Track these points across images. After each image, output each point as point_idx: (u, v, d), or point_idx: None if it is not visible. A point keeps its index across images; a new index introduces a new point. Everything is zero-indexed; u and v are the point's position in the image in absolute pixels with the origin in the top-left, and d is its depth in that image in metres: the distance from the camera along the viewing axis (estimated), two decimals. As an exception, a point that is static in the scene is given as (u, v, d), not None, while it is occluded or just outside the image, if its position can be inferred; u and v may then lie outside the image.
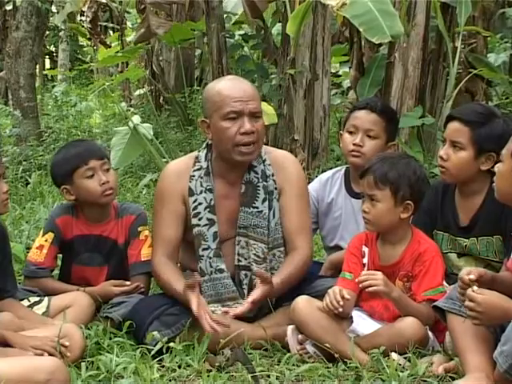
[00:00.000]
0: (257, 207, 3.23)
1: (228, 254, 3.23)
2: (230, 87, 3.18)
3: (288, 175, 3.28)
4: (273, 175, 3.26)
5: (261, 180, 3.25)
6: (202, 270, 3.21)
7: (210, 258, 3.21)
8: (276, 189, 3.26)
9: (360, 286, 2.90)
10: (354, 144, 3.47)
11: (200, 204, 3.23)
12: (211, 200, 3.23)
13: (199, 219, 3.23)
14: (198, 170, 3.28)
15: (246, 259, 3.22)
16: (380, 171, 2.99)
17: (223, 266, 3.20)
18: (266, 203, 3.23)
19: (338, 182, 3.64)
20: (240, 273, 3.23)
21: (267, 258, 3.22)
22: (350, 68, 8.43)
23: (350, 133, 3.51)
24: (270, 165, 3.28)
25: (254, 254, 3.21)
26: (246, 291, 3.21)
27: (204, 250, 3.22)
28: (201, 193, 3.24)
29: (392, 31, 5.16)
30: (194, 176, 3.27)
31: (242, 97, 3.13)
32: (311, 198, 3.56)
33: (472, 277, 2.58)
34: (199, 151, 3.35)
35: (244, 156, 3.16)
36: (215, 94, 3.18)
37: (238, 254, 3.23)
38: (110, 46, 12.17)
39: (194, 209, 3.23)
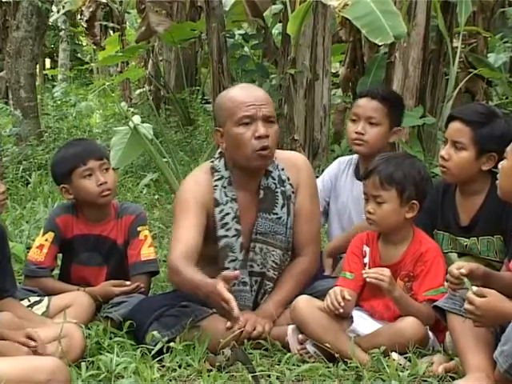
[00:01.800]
0: (276, 213, 3.19)
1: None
2: (242, 93, 3.15)
3: (301, 176, 3.27)
4: (288, 179, 3.23)
5: (278, 186, 3.21)
6: None
7: (236, 269, 3.08)
8: (293, 193, 3.23)
9: (366, 276, 2.90)
10: (356, 132, 3.48)
11: (227, 214, 3.15)
12: (237, 210, 3.16)
13: (227, 230, 3.14)
14: (220, 179, 3.19)
15: (258, 265, 3.18)
16: (385, 172, 2.98)
17: (247, 280, 3.16)
18: (285, 209, 3.20)
19: (350, 170, 3.68)
20: (251, 278, 3.19)
21: (282, 265, 3.20)
22: (342, 66, 8.46)
23: (353, 121, 3.54)
24: (283, 169, 3.25)
25: (273, 261, 3.18)
26: (252, 297, 3.20)
27: (231, 261, 3.14)
28: (227, 203, 3.16)
29: (395, 31, 5.15)
30: (216, 186, 3.18)
31: (254, 101, 3.09)
32: (328, 180, 3.67)
33: (463, 271, 2.59)
34: (212, 161, 3.26)
35: (261, 161, 3.11)
36: (227, 101, 3.14)
37: (251, 260, 3.18)
38: (104, 48, 12.12)
39: (221, 219, 3.14)
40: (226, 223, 3.15)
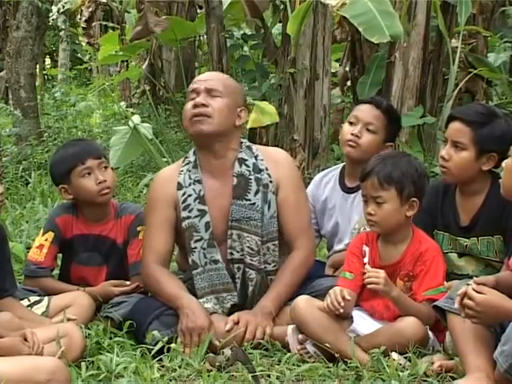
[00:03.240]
0: (249, 199, 3.22)
1: (221, 248, 3.22)
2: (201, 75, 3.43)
3: (282, 169, 3.30)
4: (267, 169, 3.27)
5: (252, 172, 3.25)
6: (195, 263, 3.20)
7: (204, 248, 3.19)
8: (271, 182, 3.26)
9: (364, 277, 2.90)
10: (351, 134, 3.48)
11: (189, 196, 3.23)
12: (200, 191, 3.23)
13: (189, 211, 3.22)
14: (187, 164, 3.31)
15: (238, 252, 3.21)
16: (384, 172, 2.98)
17: (218, 257, 3.19)
18: (259, 195, 3.22)
19: (332, 180, 3.66)
20: (233, 266, 3.22)
21: (261, 251, 3.21)
22: (339, 65, 8.46)
23: (351, 123, 3.53)
24: (262, 160, 3.29)
25: (248, 247, 3.20)
26: (238, 285, 3.22)
27: (197, 241, 3.20)
28: (190, 185, 3.25)
29: (391, 31, 5.18)
30: (182, 171, 3.29)
31: (201, 78, 3.35)
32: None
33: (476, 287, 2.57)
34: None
35: (194, 126, 3.23)
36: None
37: (230, 247, 3.22)
38: (98, 49, 12.07)
39: (183, 202, 3.23)
40: (188, 205, 3.23)
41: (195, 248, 3.20)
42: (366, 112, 3.51)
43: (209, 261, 3.19)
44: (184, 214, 3.22)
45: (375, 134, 3.48)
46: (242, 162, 3.27)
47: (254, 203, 3.22)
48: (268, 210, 3.23)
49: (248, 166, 3.26)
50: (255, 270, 3.21)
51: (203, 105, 3.21)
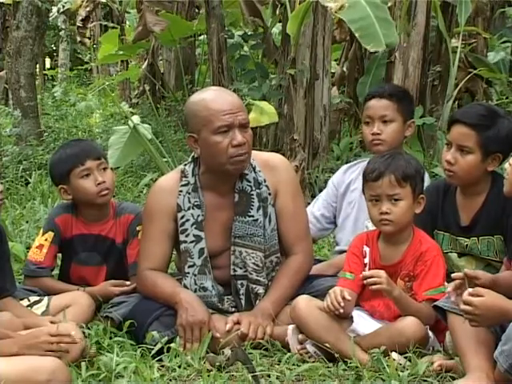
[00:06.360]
0: (252, 216, 3.19)
1: (224, 265, 3.21)
2: (216, 100, 3.11)
3: (279, 176, 3.27)
4: (265, 181, 3.23)
5: (254, 188, 3.21)
6: (186, 287, 3.19)
7: (195, 275, 3.18)
8: (270, 194, 3.23)
9: (364, 282, 2.90)
10: (372, 134, 3.50)
11: (187, 220, 3.20)
12: (199, 216, 3.19)
13: (186, 236, 3.20)
14: (185, 185, 3.23)
15: (241, 268, 3.20)
16: (400, 169, 2.98)
17: (207, 284, 3.18)
18: (261, 211, 3.20)
19: (358, 169, 3.66)
20: (236, 282, 3.21)
21: (264, 267, 3.20)
22: (337, 65, 8.46)
23: (367, 124, 3.57)
24: (260, 171, 3.24)
25: (253, 263, 3.18)
26: (243, 301, 3.21)
27: (190, 267, 3.19)
28: (188, 209, 3.20)
29: (387, 40, 5.18)
30: (181, 191, 3.22)
31: (230, 109, 3.08)
32: (332, 186, 3.72)
33: (470, 272, 2.60)
34: (185, 165, 3.29)
35: (238, 165, 3.12)
36: (202, 109, 3.11)
37: (234, 264, 3.20)
38: (85, 45, 12.06)
39: (181, 225, 3.20)
40: (186, 229, 3.20)
41: (188, 273, 3.19)
42: (374, 108, 3.54)
43: (198, 288, 3.18)
44: (181, 237, 3.21)
45: (393, 123, 3.52)
46: (243, 177, 3.21)
47: (256, 219, 3.19)
48: (269, 223, 3.21)
49: (249, 181, 3.21)
50: (262, 286, 3.20)
51: (244, 143, 3.10)
